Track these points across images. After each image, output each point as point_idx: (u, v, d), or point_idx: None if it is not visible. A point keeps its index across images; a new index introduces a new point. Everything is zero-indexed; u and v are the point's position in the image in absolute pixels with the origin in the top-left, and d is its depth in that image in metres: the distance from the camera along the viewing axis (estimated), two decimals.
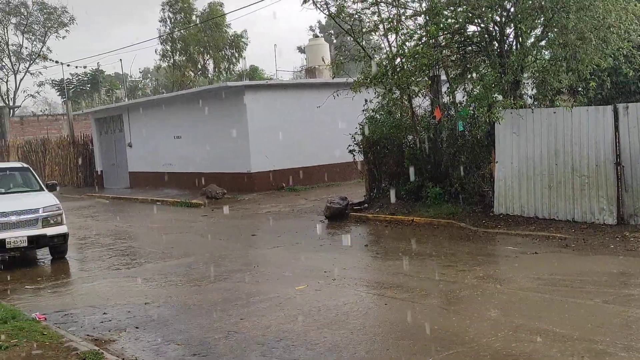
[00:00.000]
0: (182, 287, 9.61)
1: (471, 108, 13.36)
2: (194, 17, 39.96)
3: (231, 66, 42.65)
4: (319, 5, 15.09)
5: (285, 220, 15.79)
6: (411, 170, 14.84)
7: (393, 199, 15.03)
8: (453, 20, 13.00)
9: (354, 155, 16.17)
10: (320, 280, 9.33)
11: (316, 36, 32.77)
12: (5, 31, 50.21)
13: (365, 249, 11.79)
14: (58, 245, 12.32)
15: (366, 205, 15.65)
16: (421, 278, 9.07)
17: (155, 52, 42.52)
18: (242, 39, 41.54)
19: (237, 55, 42.10)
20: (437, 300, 8.03)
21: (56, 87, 55.59)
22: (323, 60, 22.32)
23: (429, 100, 14.85)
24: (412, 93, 14.66)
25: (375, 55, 16.06)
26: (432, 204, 14.13)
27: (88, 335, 7.45)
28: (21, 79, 56.12)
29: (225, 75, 42.58)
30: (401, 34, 13.95)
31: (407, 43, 13.65)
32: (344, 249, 11.74)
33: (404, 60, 13.70)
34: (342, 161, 21.70)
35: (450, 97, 14.28)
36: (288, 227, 14.62)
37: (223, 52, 41.79)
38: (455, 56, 13.84)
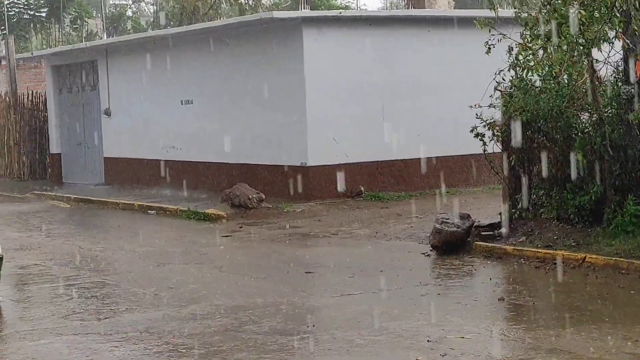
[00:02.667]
0: (187, 357, 9.67)
1: None
2: None
3: None
4: None
5: (363, 250, 15.70)
6: (584, 170, 14.58)
7: (552, 220, 14.82)
8: None
9: (484, 144, 15.98)
10: (421, 355, 9.27)
11: None
12: None
13: (498, 304, 11.64)
14: None
15: (503, 229, 15.47)
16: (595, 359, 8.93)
17: None
18: None
19: None
20: None
21: None
22: None
23: (621, 52, 14.56)
24: (593, 42, 14.36)
25: None
26: (620, 231, 13.88)
27: None
28: None
29: None
30: None
31: None
32: (462, 304, 11.62)
33: None
34: (464, 153, 21.49)
35: None
36: (367, 262, 14.53)
37: None
38: None
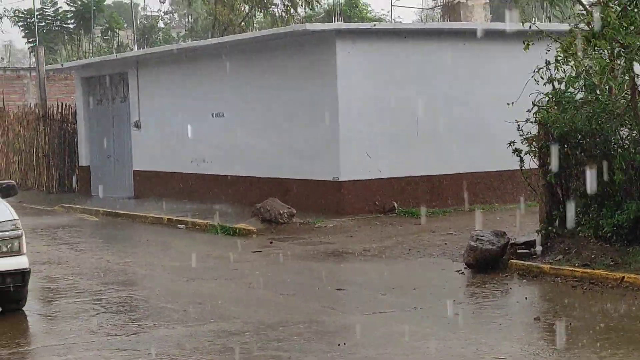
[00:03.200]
0: None
1: None
2: None
3: None
4: None
5: (395, 267, 15.69)
6: (622, 188, 14.50)
7: (590, 238, 14.76)
8: None
9: (521, 159, 15.95)
10: None
11: None
12: None
13: (534, 325, 11.62)
14: (12, 289, 12.57)
15: (540, 247, 15.40)
16: None
17: None
18: None
19: None
20: None
21: (21, 24, 57.34)
22: None
23: None
24: (634, 51, 14.32)
25: None
26: None
27: None
28: None
29: (306, 10, 42.78)
30: None
31: None
32: (496, 323, 11.61)
33: None
34: (499, 168, 21.41)
35: None
36: (399, 280, 14.54)
37: None
38: None
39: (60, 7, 56.23)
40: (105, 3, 58.15)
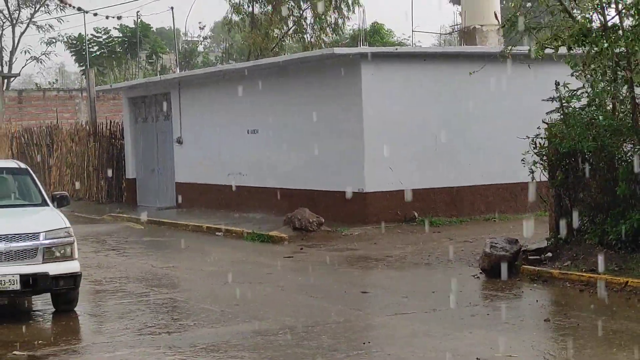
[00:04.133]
0: None
1: None
2: None
3: (342, 20, 42.78)
4: None
5: (416, 272, 15.68)
6: (626, 199, 14.45)
7: (596, 246, 14.70)
8: None
9: (532, 172, 15.91)
10: None
11: None
12: None
13: (544, 325, 11.61)
14: (65, 291, 12.70)
15: (550, 254, 15.36)
16: None
17: None
18: None
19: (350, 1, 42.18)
20: None
21: (73, 49, 57.77)
22: (496, 16, 22.01)
23: None
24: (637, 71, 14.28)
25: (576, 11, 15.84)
26: None
27: None
28: (22, 33, 58.66)
29: (333, 36, 42.80)
30: None
31: None
32: (510, 324, 11.58)
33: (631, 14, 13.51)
34: (512, 181, 21.34)
35: None
36: (419, 283, 14.53)
37: None
38: None
39: (111, 35, 56.65)
40: (150, 29, 58.57)
